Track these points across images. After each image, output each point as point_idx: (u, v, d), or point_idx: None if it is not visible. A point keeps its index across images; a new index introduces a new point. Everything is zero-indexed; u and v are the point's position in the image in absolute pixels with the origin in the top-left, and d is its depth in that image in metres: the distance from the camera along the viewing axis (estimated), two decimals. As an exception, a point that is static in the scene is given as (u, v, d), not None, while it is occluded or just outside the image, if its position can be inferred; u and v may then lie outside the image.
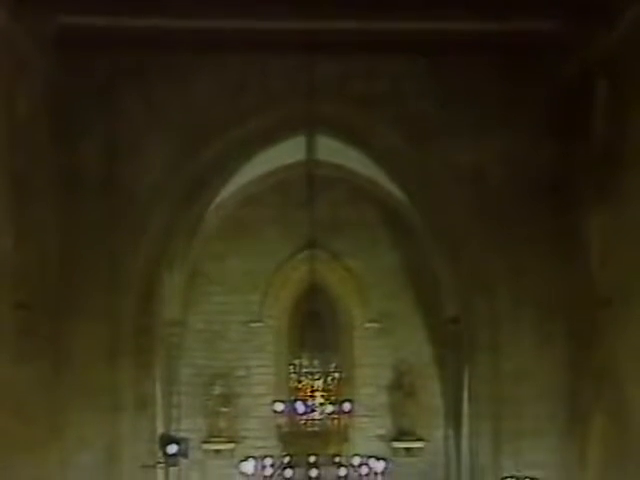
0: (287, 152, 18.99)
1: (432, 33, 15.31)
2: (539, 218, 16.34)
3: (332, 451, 19.75)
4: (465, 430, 19.76)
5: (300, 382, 23.56)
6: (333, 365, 23.59)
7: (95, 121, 15.99)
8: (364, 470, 16.32)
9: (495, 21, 14.81)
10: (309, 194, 17.29)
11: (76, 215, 15.82)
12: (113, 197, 16.03)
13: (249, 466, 16.05)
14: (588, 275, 15.20)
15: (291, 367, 23.47)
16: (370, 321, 23.15)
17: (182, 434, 19.56)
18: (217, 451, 22.48)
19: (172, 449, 17.01)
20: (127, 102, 16.10)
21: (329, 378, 23.60)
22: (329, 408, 22.79)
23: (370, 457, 16.63)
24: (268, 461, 16.27)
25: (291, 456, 16.76)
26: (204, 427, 22.55)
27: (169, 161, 16.27)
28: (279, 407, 18.76)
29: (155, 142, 16.13)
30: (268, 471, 16.09)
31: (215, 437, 22.56)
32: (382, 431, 22.81)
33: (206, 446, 22.44)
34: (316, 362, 23.57)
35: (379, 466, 16.31)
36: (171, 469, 18.03)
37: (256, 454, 16.88)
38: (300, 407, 20.04)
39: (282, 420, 21.70)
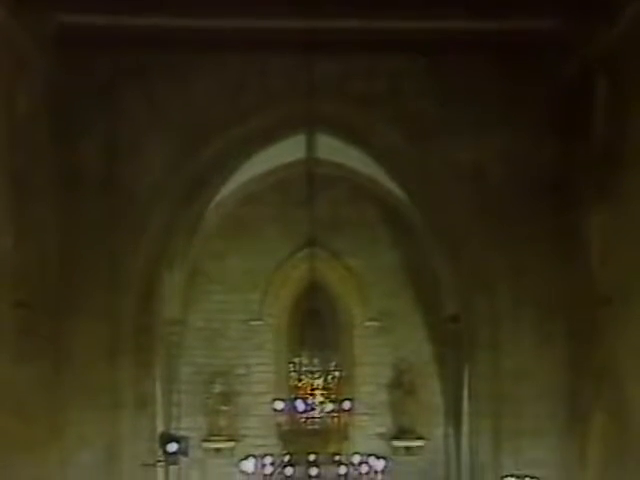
0: (287, 151, 18.97)
1: (432, 32, 15.31)
2: (539, 217, 16.33)
3: (332, 449, 19.75)
4: (465, 428, 19.78)
5: (300, 380, 23.56)
6: (333, 363, 23.58)
7: (95, 120, 15.97)
8: (364, 468, 16.25)
9: (495, 20, 14.82)
10: (309, 193, 17.25)
11: (76, 214, 15.81)
12: (113, 196, 16.02)
13: (249, 464, 15.99)
14: (588, 274, 15.19)
15: (291, 365, 23.47)
16: (370, 319, 23.14)
17: (182, 433, 19.60)
18: (217, 449, 22.48)
19: (172, 448, 17.05)
20: (127, 101, 16.09)
21: (329, 376, 23.59)
22: (329, 406, 22.74)
23: (370, 455, 16.56)
24: (268, 459, 16.20)
25: (291, 454, 16.73)
26: (204, 425, 22.55)
27: (169, 160, 16.26)
28: (279, 405, 18.70)
29: (155, 141, 16.12)
30: (268, 469, 16.04)
31: (215, 435, 22.56)
32: (382, 429, 22.80)
33: (206, 444, 22.44)
34: (316, 360, 23.56)
35: (379, 464, 16.25)
36: (171, 468, 18.01)
37: (256, 452, 16.81)
38: (300, 405, 19.94)
39: (282, 418, 21.62)
